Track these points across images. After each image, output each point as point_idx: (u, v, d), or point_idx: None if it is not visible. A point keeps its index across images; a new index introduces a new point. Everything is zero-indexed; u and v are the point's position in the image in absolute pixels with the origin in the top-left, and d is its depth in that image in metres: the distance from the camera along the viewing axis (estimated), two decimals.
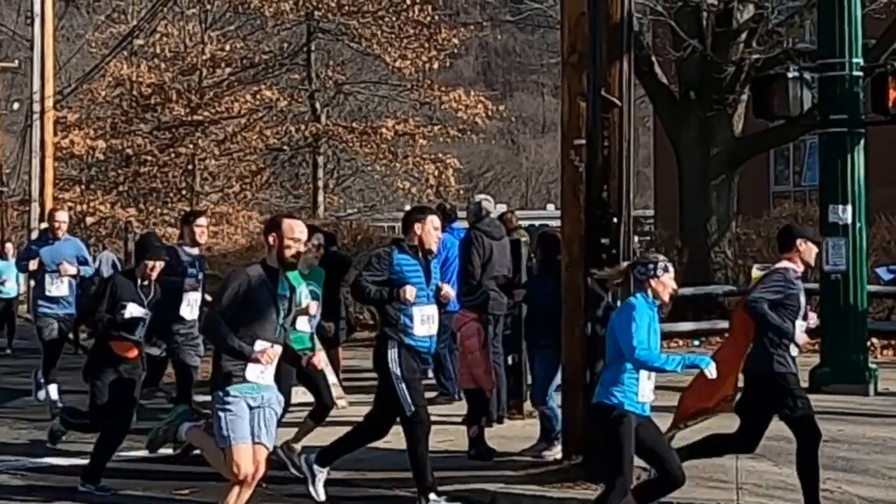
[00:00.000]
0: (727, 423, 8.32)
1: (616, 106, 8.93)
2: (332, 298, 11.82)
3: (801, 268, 8.03)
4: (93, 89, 37.31)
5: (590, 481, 8.79)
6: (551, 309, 9.68)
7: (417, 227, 8.43)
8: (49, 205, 33.70)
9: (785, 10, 21.34)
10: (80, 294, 13.40)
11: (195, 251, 10.87)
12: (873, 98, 13.57)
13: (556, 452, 9.79)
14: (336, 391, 11.32)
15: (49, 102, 34.57)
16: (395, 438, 8.73)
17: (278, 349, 7.34)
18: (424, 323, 8.34)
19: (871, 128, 13.85)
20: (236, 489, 7.44)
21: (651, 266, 7.20)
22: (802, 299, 7.96)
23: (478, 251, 10.88)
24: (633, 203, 9.19)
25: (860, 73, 13.47)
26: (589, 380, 8.87)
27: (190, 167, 36.20)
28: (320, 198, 33.44)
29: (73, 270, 12.81)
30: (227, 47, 34.80)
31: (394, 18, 31.84)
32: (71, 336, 15.78)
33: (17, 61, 42.41)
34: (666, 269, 7.22)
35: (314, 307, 9.59)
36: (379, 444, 8.90)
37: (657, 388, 7.34)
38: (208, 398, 11.52)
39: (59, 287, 12.79)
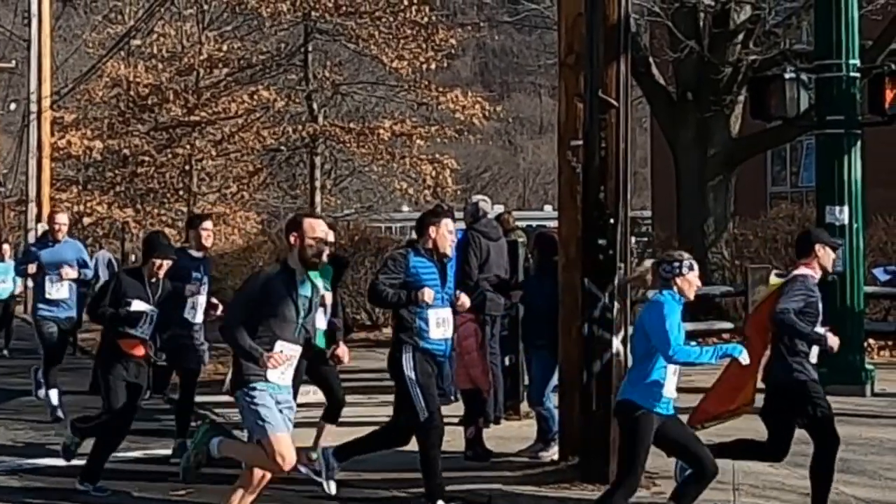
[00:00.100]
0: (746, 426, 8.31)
1: (613, 107, 8.94)
2: (331, 299, 11.79)
3: (819, 274, 8.03)
4: (90, 90, 37.27)
5: (586, 482, 8.81)
6: (548, 310, 9.69)
7: (432, 230, 8.40)
8: (46, 205, 33.70)
9: (782, 11, 21.34)
10: (81, 296, 13.34)
11: (200, 255, 10.74)
12: (870, 99, 13.58)
13: (552, 453, 9.80)
14: None
15: (46, 103, 34.55)
16: None
17: (297, 350, 7.32)
18: (440, 326, 8.30)
19: (867, 129, 13.86)
20: (240, 492, 7.45)
21: (677, 264, 7.26)
22: (820, 306, 7.97)
23: (475, 252, 10.89)
24: (631, 204, 9.19)
25: (857, 75, 13.48)
26: (585, 380, 8.88)
27: (187, 168, 36.16)
28: (317, 198, 33.37)
29: (73, 274, 12.71)
30: (225, 48, 34.76)
31: (391, 19, 31.80)
32: (70, 338, 15.69)
33: (14, 61, 42.36)
34: (691, 267, 7.29)
35: (328, 296, 9.59)
36: None
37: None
38: (209, 398, 11.60)
39: (59, 290, 12.68)
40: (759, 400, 8.09)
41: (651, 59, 20.31)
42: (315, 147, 33.18)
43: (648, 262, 7.56)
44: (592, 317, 8.88)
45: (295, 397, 8.58)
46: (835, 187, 13.34)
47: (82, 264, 12.97)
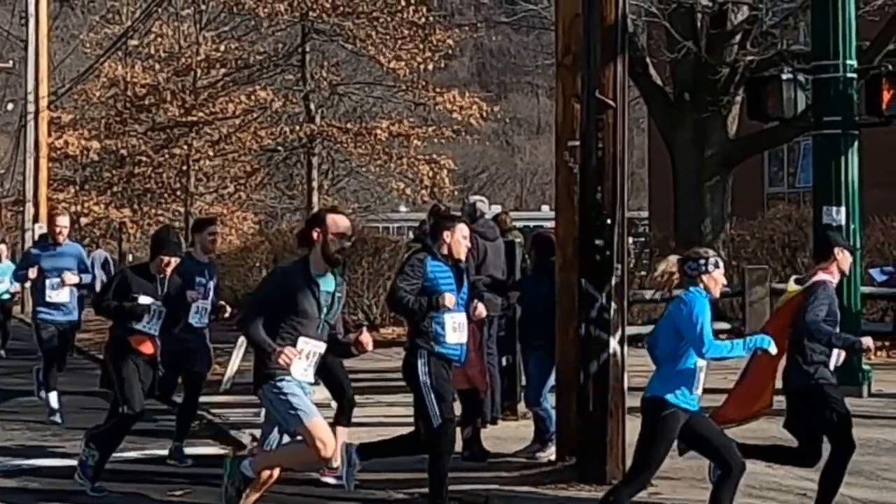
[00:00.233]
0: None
1: (610, 107, 8.94)
2: None
3: (837, 278, 8.04)
4: (87, 90, 37.28)
5: (583, 482, 8.81)
6: (545, 310, 9.70)
7: (447, 234, 8.37)
8: (43, 205, 33.70)
9: (779, 12, 21.35)
10: (80, 298, 13.27)
11: (205, 259, 10.62)
12: (867, 100, 13.58)
13: (549, 453, 9.80)
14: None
15: (43, 103, 34.54)
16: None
17: (320, 347, 7.30)
18: (456, 330, 8.26)
19: (864, 129, 13.86)
20: (246, 490, 7.42)
21: (702, 261, 7.25)
22: (837, 310, 7.99)
23: (472, 252, 10.88)
24: (628, 204, 9.19)
25: (854, 75, 13.48)
26: (582, 381, 8.88)
27: (184, 168, 36.16)
28: (315, 199, 33.37)
29: (75, 280, 12.62)
30: (222, 48, 34.77)
31: (388, 19, 31.80)
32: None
33: (11, 62, 42.38)
34: (717, 265, 7.28)
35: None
36: None
37: None
38: (206, 398, 11.57)
39: (59, 294, 12.58)
40: (775, 401, 8.11)
41: (648, 60, 20.32)
42: (312, 147, 33.19)
43: (673, 258, 7.53)
44: (589, 317, 8.88)
45: None
46: (832, 188, 13.34)
47: (83, 269, 12.88)
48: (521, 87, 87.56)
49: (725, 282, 7.44)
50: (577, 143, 9.23)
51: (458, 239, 8.39)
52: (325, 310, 7.33)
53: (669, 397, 7.06)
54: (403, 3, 31.03)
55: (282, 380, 7.21)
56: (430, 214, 14.37)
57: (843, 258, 8.04)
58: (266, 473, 7.40)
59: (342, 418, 9.75)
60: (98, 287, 17.32)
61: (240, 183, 37.21)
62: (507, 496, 8.72)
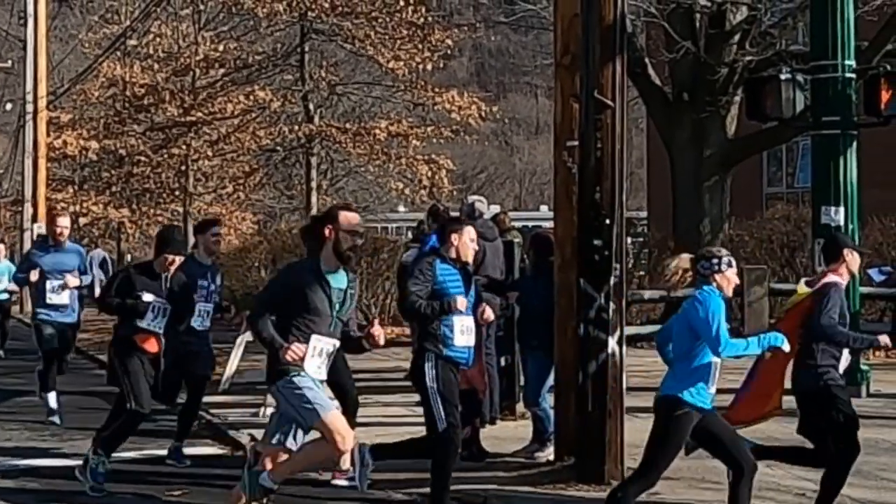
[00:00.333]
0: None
1: (609, 107, 8.94)
2: None
3: (846, 279, 8.06)
4: (86, 90, 37.26)
5: (582, 482, 8.81)
6: (544, 310, 9.69)
7: (454, 237, 8.31)
8: (42, 205, 33.70)
9: (778, 12, 21.37)
10: (80, 299, 13.22)
11: (209, 262, 10.49)
12: (866, 100, 13.58)
13: (548, 453, 9.79)
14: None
15: (42, 103, 34.54)
16: (391, 439, 8.73)
17: (333, 344, 7.29)
18: (464, 334, 8.23)
19: (863, 130, 13.86)
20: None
21: (716, 261, 7.27)
22: (846, 311, 8.00)
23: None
24: (626, 204, 9.19)
25: (853, 75, 13.48)
26: (581, 381, 8.88)
27: (183, 168, 36.14)
28: (314, 199, 33.37)
29: (77, 283, 12.59)
30: (221, 48, 34.75)
31: (387, 19, 31.80)
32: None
33: (10, 61, 42.35)
34: (730, 264, 7.30)
35: None
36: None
37: None
38: (208, 399, 11.55)
39: (60, 296, 12.52)
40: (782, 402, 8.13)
41: (647, 60, 20.34)
42: (311, 147, 33.19)
43: (686, 256, 7.52)
44: (588, 317, 8.88)
45: None
46: (830, 188, 13.34)
47: (83, 271, 12.84)
48: (520, 87, 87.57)
49: (738, 281, 7.44)
50: (576, 143, 9.22)
51: (466, 241, 8.35)
52: (336, 306, 7.32)
53: (685, 395, 7.06)
54: (402, 3, 31.03)
55: (297, 374, 7.19)
56: (429, 214, 14.37)
57: (853, 259, 8.06)
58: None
59: (346, 418, 9.73)
60: (97, 287, 17.33)
61: (238, 183, 37.20)
62: (505, 496, 8.72)
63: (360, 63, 35.33)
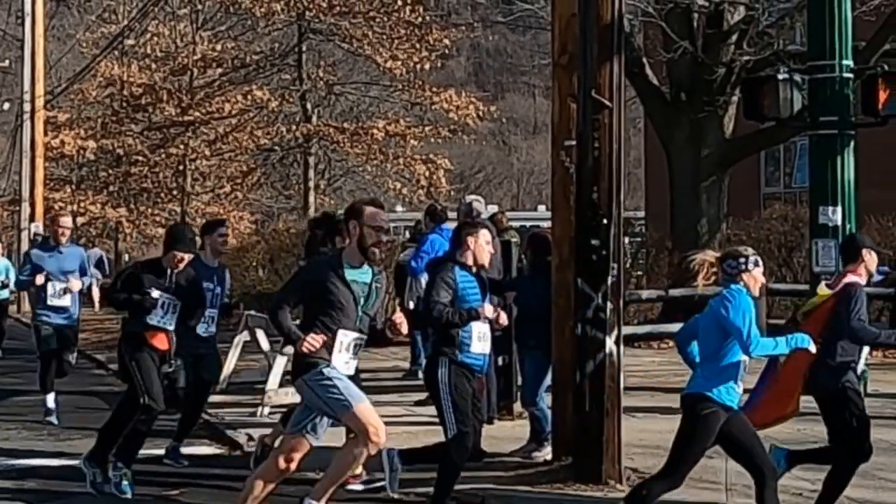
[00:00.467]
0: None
1: (606, 107, 8.94)
2: None
3: (865, 278, 8.07)
4: (83, 89, 37.28)
5: (579, 482, 8.81)
6: (541, 310, 9.69)
7: (470, 240, 8.24)
8: (39, 205, 33.70)
9: (775, 12, 21.37)
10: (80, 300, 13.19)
11: (215, 263, 10.33)
12: (863, 100, 13.60)
13: (545, 453, 9.79)
14: None
15: (39, 102, 34.52)
16: (391, 438, 8.70)
17: (360, 338, 7.28)
18: (481, 340, 8.18)
19: (861, 130, 13.87)
20: (260, 483, 7.38)
21: (742, 260, 7.22)
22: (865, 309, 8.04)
23: None
24: (624, 204, 9.18)
25: (850, 75, 13.50)
26: (579, 381, 8.88)
27: (181, 167, 36.17)
28: (311, 198, 33.40)
29: (79, 286, 12.54)
30: (219, 47, 34.78)
31: (385, 19, 31.83)
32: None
33: (7, 61, 42.35)
34: (757, 263, 7.26)
35: None
36: None
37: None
38: (208, 399, 11.53)
39: (61, 298, 12.46)
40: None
41: (645, 60, 20.33)
42: (309, 147, 33.22)
43: (711, 252, 7.50)
44: (585, 317, 8.88)
45: None
46: (828, 188, 13.35)
47: (84, 272, 12.81)
48: (518, 86, 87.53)
49: (765, 280, 7.43)
50: (574, 142, 9.22)
51: (482, 244, 8.27)
52: (361, 301, 7.27)
53: (713, 394, 7.04)
54: (400, 3, 31.06)
55: (326, 366, 7.16)
56: (427, 214, 14.39)
57: (871, 259, 8.08)
58: (283, 465, 7.28)
59: None
60: (95, 288, 17.30)
61: (236, 182, 37.22)
62: (503, 496, 8.72)
63: (358, 63, 35.38)
